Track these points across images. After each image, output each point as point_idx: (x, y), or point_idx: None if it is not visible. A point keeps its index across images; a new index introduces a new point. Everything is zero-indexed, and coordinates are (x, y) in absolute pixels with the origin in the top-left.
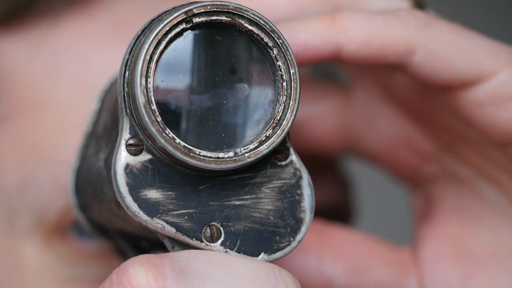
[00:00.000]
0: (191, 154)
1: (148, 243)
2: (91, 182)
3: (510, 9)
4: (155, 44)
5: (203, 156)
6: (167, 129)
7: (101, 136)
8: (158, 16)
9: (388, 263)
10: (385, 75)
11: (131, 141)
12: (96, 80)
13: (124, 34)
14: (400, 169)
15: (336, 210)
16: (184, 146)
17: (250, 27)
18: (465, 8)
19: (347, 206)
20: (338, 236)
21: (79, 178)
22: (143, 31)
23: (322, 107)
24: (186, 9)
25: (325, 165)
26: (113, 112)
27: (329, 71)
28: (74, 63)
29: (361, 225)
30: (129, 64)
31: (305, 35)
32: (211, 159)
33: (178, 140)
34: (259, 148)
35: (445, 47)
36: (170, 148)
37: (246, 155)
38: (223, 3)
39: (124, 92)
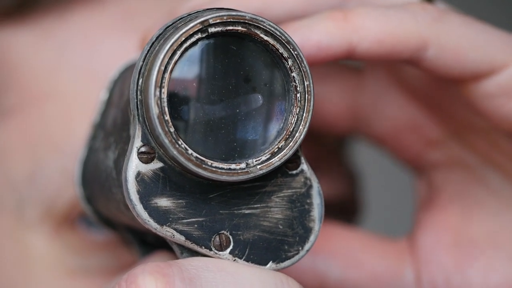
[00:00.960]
0: (203, 165)
1: (153, 238)
2: (99, 179)
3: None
4: (170, 54)
5: (215, 167)
6: (180, 139)
7: (111, 132)
8: (172, 23)
9: (382, 255)
10: (396, 65)
11: (143, 149)
12: (104, 70)
13: (132, 25)
14: (405, 153)
15: (343, 203)
16: (196, 157)
17: (265, 38)
18: (476, 4)
19: (354, 199)
20: (331, 234)
21: (86, 170)
22: (157, 37)
23: (332, 86)
24: (203, 19)
25: (332, 158)
26: (124, 112)
27: None
28: (82, 53)
29: (367, 219)
30: (142, 71)
31: (317, 36)
32: (223, 170)
33: (190, 151)
34: (271, 160)
35: (457, 41)
36: (182, 159)
37: (258, 167)
38: (239, 14)
39: (137, 99)
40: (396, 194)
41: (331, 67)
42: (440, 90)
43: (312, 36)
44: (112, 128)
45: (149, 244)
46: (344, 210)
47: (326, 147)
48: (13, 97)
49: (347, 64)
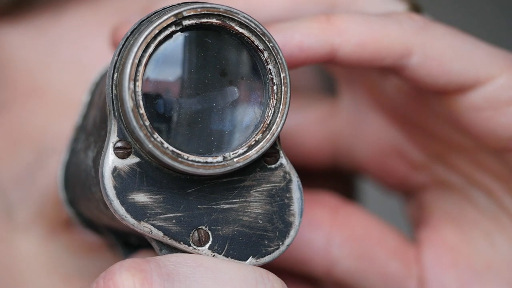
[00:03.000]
0: (179, 159)
1: (137, 239)
2: (79, 179)
3: (506, 15)
4: (144, 47)
5: (192, 161)
6: (155, 133)
7: (91, 132)
8: (147, 17)
9: (395, 256)
10: (376, 80)
11: (119, 144)
12: (96, 69)
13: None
14: (390, 179)
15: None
16: (172, 151)
17: (240, 30)
18: (462, 13)
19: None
20: (351, 217)
21: (68, 173)
22: (132, 32)
23: (307, 117)
24: (176, 11)
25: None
26: (103, 110)
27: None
28: (75, 51)
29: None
30: (117, 66)
31: (300, 36)
32: (200, 164)
33: (166, 145)
34: (248, 153)
35: (442, 50)
36: (158, 152)
37: (235, 160)
38: (213, 6)
39: (112, 94)
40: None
41: (305, 96)
42: (422, 108)
43: (295, 36)
44: (92, 128)
45: (132, 246)
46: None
47: None
48: (3, 94)
49: (319, 92)
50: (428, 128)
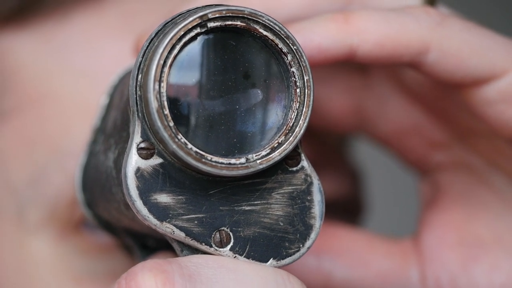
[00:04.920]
0: (203, 160)
1: (154, 242)
2: (99, 181)
3: (506, 15)
4: (169, 48)
5: (215, 162)
6: (179, 134)
7: (110, 134)
8: (172, 19)
9: (388, 255)
10: (398, 70)
11: (142, 145)
12: (104, 73)
13: (133, 27)
14: (409, 155)
15: (347, 203)
16: (196, 152)
17: (265, 33)
18: (476, 5)
19: (357, 199)
20: (336, 235)
21: (87, 175)
22: (156, 34)
23: (338, 84)
24: (201, 13)
25: (335, 158)
26: (124, 112)
27: None
28: (83, 55)
29: (371, 218)
30: (142, 67)
31: (318, 38)
32: (223, 165)
33: (190, 146)
34: (271, 155)
35: (458, 46)
36: (182, 153)
37: (258, 161)
38: (238, 8)
39: (136, 95)
40: (400, 193)
41: (337, 66)
42: (443, 94)
43: (313, 38)
44: (112, 130)
45: (150, 248)
46: (347, 209)
47: (329, 146)
48: (12, 100)
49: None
50: (450, 112)
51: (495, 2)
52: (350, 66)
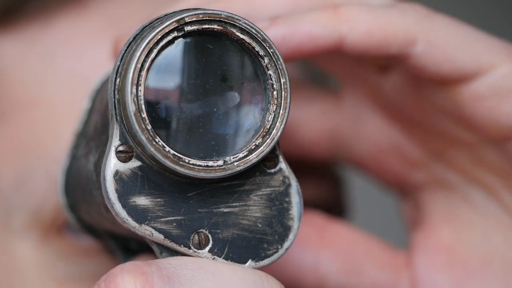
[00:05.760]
0: (181, 162)
1: (136, 244)
2: (80, 184)
3: (503, 10)
4: (146, 52)
5: (193, 164)
6: (157, 137)
7: (91, 138)
8: (150, 23)
9: (383, 267)
10: (376, 79)
11: (121, 148)
12: (89, 77)
13: (117, 32)
14: (388, 176)
15: (328, 208)
16: (174, 155)
17: (241, 36)
18: (476, 5)
19: (340, 204)
20: (338, 233)
21: (69, 178)
22: (134, 38)
23: (310, 110)
24: (178, 17)
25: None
26: (104, 115)
27: (320, 76)
28: (67, 60)
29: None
30: (120, 71)
31: (309, 25)
32: (201, 167)
33: (167, 149)
34: (248, 157)
35: (445, 39)
36: (159, 156)
37: (235, 164)
38: (215, 12)
39: (114, 98)
40: (382, 196)
41: (308, 90)
42: (422, 103)
43: (304, 25)
44: (93, 134)
45: (132, 251)
46: (330, 213)
47: None
48: (1, 104)
49: (324, 87)
50: (428, 124)
51: (495, 2)
52: (322, 90)
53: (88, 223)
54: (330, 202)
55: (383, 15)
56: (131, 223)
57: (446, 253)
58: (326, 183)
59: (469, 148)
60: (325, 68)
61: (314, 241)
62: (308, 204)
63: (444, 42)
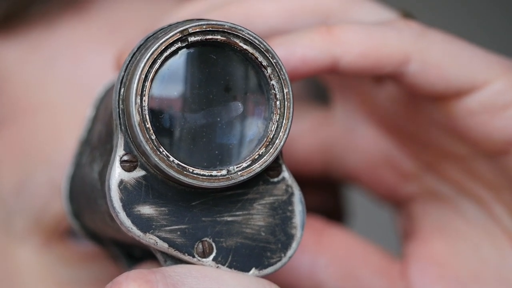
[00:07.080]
0: (185, 172)
1: (140, 251)
2: (85, 192)
3: (499, 21)
4: (150, 62)
5: (196, 174)
6: (161, 147)
7: (96, 146)
8: (153, 34)
9: (380, 274)
10: (369, 90)
11: (125, 158)
12: (91, 83)
13: (119, 38)
14: (381, 189)
15: (327, 213)
16: (178, 164)
17: (245, 46)
18: (476, 5)
19: (338, 212)
20: (335, 239)
21: (73, 186)
22: (138, 48)
23: (300, 125)
24: (182, 28)
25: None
26: (108, 125)
27: (318, 88)
28: (69, 66)
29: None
30: (124, 81)
31: (302, 49)
32: (204, 177)
33: (172, 158)
34: (252, 167)
35: (439, 56)
36: (164, 166)
37: (239, 173)
38: (218, 23)
39: (119, 108)
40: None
41: (299, 104)
42: (415, 116)
43: (297, 49)
44: (97, 142)
45: (136, 258)
46: (329, 219)
47: None
48: (4, 109)
49: (314, 102)
50: (421, 137)
51: (495, 2)
52: (312, 105)
53: (92, 230)
54: (328, 210)
55: (378, 35)
56: (135, 232)
57: (439, 265)
58: (324, 192)
59: (462, 160)
60: (318, 78)
61: (311, 245)
62: (307, 212)
63: (438, 60)
